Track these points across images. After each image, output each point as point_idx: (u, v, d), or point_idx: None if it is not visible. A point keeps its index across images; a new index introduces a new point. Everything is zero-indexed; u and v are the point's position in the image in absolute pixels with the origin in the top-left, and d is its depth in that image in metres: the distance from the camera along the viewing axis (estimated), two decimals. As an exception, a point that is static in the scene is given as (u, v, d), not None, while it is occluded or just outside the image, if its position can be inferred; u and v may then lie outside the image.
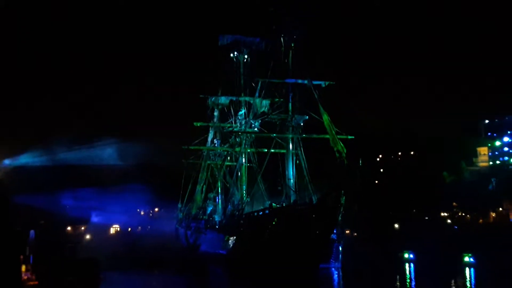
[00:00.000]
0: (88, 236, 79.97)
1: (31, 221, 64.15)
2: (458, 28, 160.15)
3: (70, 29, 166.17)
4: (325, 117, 54.62)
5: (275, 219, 54.62)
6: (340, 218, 53.18)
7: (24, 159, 78.67)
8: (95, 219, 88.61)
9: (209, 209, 74.71)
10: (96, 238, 78.20)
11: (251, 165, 68.56)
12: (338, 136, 53.50)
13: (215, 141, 78.27)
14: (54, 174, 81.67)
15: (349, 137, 56.98)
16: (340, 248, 56.57)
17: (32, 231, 41.66)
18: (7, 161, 77.46)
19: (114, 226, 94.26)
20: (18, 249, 27.11)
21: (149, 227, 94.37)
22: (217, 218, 71.01)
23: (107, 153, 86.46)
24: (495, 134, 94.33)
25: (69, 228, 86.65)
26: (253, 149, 68.24)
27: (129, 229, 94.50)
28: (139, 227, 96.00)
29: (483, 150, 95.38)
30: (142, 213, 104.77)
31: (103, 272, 39.42)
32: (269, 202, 62.11)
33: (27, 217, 65.91)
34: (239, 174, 69.13)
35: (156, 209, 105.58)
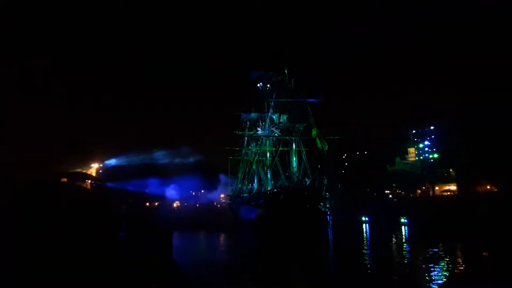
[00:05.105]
0: (159, 209, 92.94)
1: (124, 199, 76.93)
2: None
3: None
4: (314, 130, 61.01)
5: (281, 195, 61.86)
6: (328, 195, 59.80)
7: (119, 160, 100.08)
8: (164, 197, 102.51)
9: (249, 188, 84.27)
10: (165, 210, 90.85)
11: (272, 159, 78.40)
12: (328, 137, 59.92)
13: (252, 143, 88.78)
14: (139, 169, 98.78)
15: (335, 137, 65.00)
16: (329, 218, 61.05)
17: (124, 206, 52.97)
18: (108, 162, 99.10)
19: (176, 202, 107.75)
20: (117, 219, 31.73)
21: (197, 204, 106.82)
22: None
23: (171, 155, 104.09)
24: (419, 139, 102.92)
25: (147, 204, 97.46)
26: (272, 148, 78.23)
27: (186, 204, 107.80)
28: (191, 203, 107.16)
29: (412, 150, 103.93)
30: (193, 193, 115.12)
31: (173, 231, 39.85)
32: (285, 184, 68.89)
33: (121, 197, 78.31)
34: (264, 167, 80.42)
35: (202, 191, 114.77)
